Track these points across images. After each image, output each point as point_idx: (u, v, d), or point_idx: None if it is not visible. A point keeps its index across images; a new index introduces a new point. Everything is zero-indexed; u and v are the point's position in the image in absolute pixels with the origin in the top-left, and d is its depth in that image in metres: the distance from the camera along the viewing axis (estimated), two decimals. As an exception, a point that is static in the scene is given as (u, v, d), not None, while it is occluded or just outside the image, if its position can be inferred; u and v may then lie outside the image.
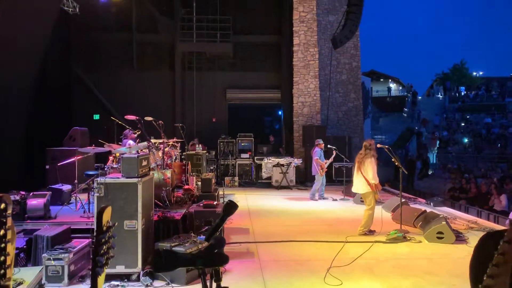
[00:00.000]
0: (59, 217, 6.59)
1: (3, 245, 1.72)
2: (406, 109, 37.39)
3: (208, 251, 2.03)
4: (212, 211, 6.46)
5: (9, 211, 1.75)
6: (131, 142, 7.92)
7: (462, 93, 41.14)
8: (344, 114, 16.55)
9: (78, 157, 7.60)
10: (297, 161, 13.20)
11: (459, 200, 12.94)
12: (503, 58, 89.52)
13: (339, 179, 12.71)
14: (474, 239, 6.88)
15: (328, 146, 11.06)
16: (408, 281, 5.16)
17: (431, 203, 9.98)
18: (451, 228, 6.94)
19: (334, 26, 15.75)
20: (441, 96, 40.03)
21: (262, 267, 5.63)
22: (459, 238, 6.95)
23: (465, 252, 6.25)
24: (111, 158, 7.63)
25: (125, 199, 5.02)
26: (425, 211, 7.92)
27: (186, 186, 7.98)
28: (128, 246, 4.96)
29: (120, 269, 4.95)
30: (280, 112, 17.32)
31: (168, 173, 7.17)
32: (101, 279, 1.82)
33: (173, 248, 4.98)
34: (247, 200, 10.83)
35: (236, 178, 13.60)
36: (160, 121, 7.93)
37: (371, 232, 7.29)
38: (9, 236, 1.74)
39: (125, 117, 7.75)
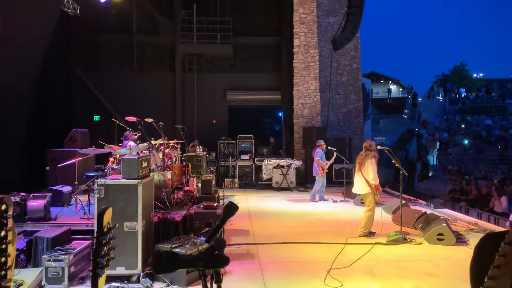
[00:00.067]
0: (59, 218, 6.59)
1: (4, 246, 1.72)
2: (406, 111, 37.34)
3: (208, 253, 2.02)
4: (212, 213, 6.46)
5: (10, 212, 1.75)
6: (131, 143, 7.93)
7: (463, 95, 41.05)
8: (345, 115, 16.54)
9: (78, 159, 7.60)
10: (297, 163, 13.20)
11: (459, 201, 12.91)
12: (503, 60, 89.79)
13: (339, 181, 12.71)
14: (474, 240, 6.87)
15: (329, 147, 11.07)
16: (409, 283, 5.16)
17: (432, 205, 9.99)
18: (451, 230, 6.94)
19: (335, 28, 15.75)
20: (441, 98, 39.94)
21: (263, 269, 5.63)
22: (460, 239, 6.95)
23: (465, 254, 6.25)
24: (111, 159, 7.62)
25: (126, 200, 5.02)
26: (425, 212, 7.92)
27: (186, 188, 7.99)
28: (128, 247, 4.96)
29: (120, 270, 4.95)
30: (280, 114, 17.30)
31: (169, 175, 7.18)
32: (101, 280, 1.82)
33: (174, 250, 4.98)
34: (248, 201, 10.83)
35: (236, 180, 13.59)
36: (160, 123, 7.94)
37: (371, 234, 7.28)
38: (10, 238, 1.74)
39: (126, 118, 7.77)
